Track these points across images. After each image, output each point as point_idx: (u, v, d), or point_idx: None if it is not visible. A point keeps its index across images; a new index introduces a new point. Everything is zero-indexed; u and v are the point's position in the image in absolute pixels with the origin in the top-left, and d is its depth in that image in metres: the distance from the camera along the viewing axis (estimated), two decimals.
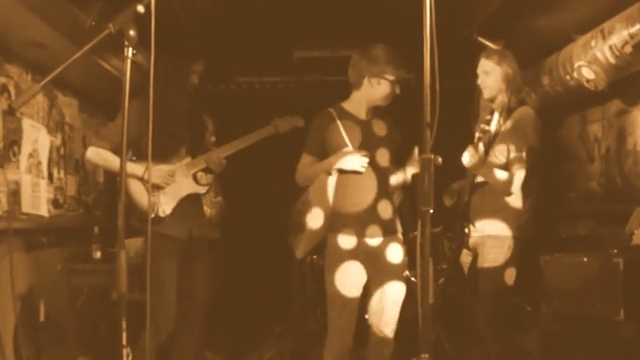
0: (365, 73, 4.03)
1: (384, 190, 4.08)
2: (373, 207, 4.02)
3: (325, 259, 4.11)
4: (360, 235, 3.98)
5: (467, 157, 3.89)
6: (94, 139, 4.28)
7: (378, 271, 4.03)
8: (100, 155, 4.13)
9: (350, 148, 4.01)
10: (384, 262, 4.03)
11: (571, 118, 6.23)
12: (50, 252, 5.31)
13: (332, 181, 4.00)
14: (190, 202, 4.34)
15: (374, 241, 4.01)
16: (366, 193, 4.03)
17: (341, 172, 3.99)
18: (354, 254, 3.97)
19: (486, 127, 3.83)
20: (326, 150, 4.08)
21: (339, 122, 4.06)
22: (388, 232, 4.06)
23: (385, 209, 4.06)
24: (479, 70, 4.19)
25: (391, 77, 4.01)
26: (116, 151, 4.06)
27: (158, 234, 3.97)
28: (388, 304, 4.03)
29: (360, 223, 3.99)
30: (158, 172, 4.16)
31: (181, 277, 4.19)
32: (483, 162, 3.90)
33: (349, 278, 3.97)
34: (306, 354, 5.98)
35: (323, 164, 4.05)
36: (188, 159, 4.36)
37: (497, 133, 3.89)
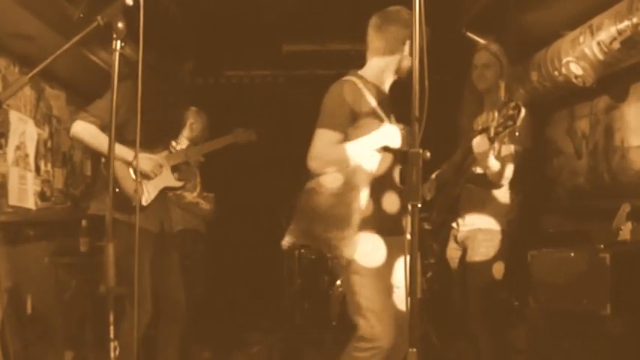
0: (404, 37, 3.47)
1: None
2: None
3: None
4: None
5: (479, 144, 3.81)
6: (82, 113, 4.06)
7: None
8: (89, 131, 3.98)
9: (387, 122, 3.44)
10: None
11: (559, 113, 6.24)
12: (37, 245, 5.29)
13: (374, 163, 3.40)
14: (164, 195, 4.35)
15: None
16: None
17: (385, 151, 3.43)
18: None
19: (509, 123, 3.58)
20: (349, 126, 3.39)
21: (366, 92, 3.43)
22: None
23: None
24: (477, 62, 4.19)
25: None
26: (105, 129, 3.98)
27: (132, 226, 3.95)
28: None
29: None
30: (149, 160, 4.13)
31: (154, 271, 4.17)
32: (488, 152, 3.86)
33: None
34: (294, 348, 5.99)
35: (363, 142, 3.37)
36: (166, 152, 4.36)
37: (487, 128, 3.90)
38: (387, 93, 3.55)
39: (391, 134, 3.35)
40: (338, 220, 3.25)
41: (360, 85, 3.42)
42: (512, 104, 3.59)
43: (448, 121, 4.40)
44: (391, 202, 3.44)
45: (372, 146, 3.37)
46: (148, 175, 4.17)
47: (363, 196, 3.30)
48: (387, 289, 3.43)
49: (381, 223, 3.39)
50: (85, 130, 3.99)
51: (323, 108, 3.42)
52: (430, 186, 4.41)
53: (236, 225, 7.23)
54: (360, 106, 3.37)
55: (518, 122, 3.56)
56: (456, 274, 4.35)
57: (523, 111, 3.54)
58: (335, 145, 3.34)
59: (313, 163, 3.37)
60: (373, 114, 3.39)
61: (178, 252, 4.52)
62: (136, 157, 3.88)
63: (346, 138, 3.36)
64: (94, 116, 3.98)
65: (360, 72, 3.54)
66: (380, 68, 3.54)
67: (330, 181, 3.32)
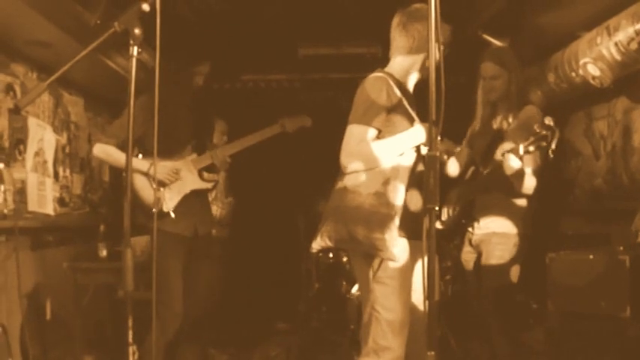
0: (409, 31, 3.34)
1: None
2: None
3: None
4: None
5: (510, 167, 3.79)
6: (100, 136, 4.33)
7: None
8: (105, 152, 4.15)
9: (418, 122, 3.29)
10: None
11: (577, 115, 6.21)
12: (56, 250, 5.33)
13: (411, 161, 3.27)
14: (195, 198, 4.35)
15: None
16: None
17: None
18: None
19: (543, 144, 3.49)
20: (383, 122, 3.26)
21: (396, 88, 3.28)
22: None
23: None
24: (484, 74, 4.17)
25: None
26: (122, 147, 4.08)
27: (163, 231, 3.98)
28: None
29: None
30: (162, 168, 4.16)
31: (186, 275, 4.20)
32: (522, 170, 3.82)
33: None
34: (311, 352, 5.99)
35: (398, 140, 3.23)
36: (194, 155, 4.37)
37: (504, 131, 3.89)
38: (411, 92, 3.43)
39: (422, 133, 3.20)
40: (382, 221, 3.14)
41: (391, 81, 3.29)
42: (547, 124, 3.47)
43: (464, 124, 4.39)
44: (416, 203, 3.28)
45: (405, 145, 3.23)
46: (163, 182, 4.20)
47: (401, 196, 3.19)
48: (408, 298, 3.28)
49: (409, 225, 3.23)
50: (103, 151, 4.17)
51: (355, 103, 3.30)
52: (449, 201, 4.37)
53: (254, 228, 7.24)
54: (392, 102, 3.23)
55: (553, 145, 3.48)
56: (472, 278, 4.33)
57: (557, 133, 3.45)
58: (367, 142, 3.20)
59: (347, 160, 3.23)
60: (404, 111, 3.27)
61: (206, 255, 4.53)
62: (153, 164, 3.94)
63: (380, 134, 3.23)
64: (111, 137, 4.16)
65: (387, 69, 3.41)
66: (405, 67, 3.41)
67: (368, 179, 3.21)
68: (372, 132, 3.21)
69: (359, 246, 3.22)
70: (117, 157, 4.13)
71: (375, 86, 3.26)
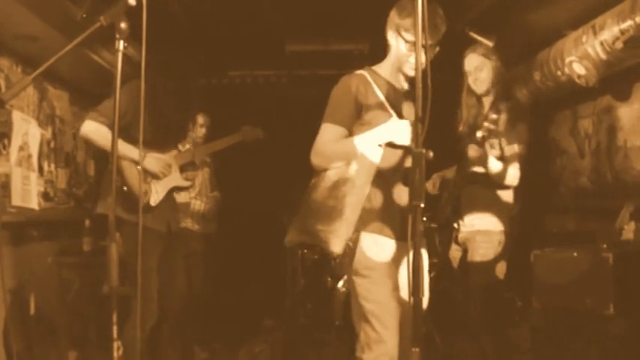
0: (389, 24, 3.29)
1: None
2: None
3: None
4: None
5: (472, 153, 3.88)
6: (93, 114, 4.03)
7: None
8: (99, 131, 3.96)
9: (395, 117, 3.19)
10: None
11: (562, 113, 6.24)
12: (40, 245, 5.30)
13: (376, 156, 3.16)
14: (171, 194, 4.35)
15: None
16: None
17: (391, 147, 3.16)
18: None
19: (492, 127, 3.60)
20: (355, 122, 3.22)
21: (374, 86, 3.24)
22: None
23: None
24: (469, 67, 4.19)
25: (408, 36, 3.15)
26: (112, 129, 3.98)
27: (142, 226, 3.95)
28: None
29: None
30: (158, 160, 4.14)
31: (162, 271, 4.18)
32: (485, 158, 3.88)
33: None
34: (297, 348, 5.99)
35: (367, 137, 3.14)
36: (175, 152, 4.36)
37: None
38: (401, 89, 3.32)
39: (398, 129, 3.08)
40: (327, 212, 3.13)
41: (369, 78, 3.25)
42: (495, 108, 3.62)
43: (451, 122, 4.40)
44: (402, 202, 3.20)
45: (377, 140, 3.12)
46: (157, 175, 4.17)
47: (362, 191, 3.14)
48: (395, 294, 3.20)
49: (391, 224, 3.20)
50: (95, 130, 3.97)
51: (329, 101, 3.29)
52: (435, 181, 4.41)
53: (239, 224, 7.23)
54: (367, 99, 3.19)
55: (501, 126, 3.59)
56: (458, 275, 4.35)
57: (504, 115, 3.57)
58: (338, 140, 3.19)
59: (315, 159, 3.23)
60: (381, 108, 3.19)
61: (180, 251, 4.53)
62: (140, 156, 3.88)
63: (351, 134, 3.19)
64: (104, 116, 3.95)
65: (375, 67, 3.36)
66: (386, 61, 3.35)
67: (331, 175, 3.19)
68: (341, 130, 3.20)
69: (310, 238, 3.23)
70: (110, 140, 3.99)
71: (345, 85, 3.25)
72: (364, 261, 3.20)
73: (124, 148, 3.85)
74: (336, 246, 3.12)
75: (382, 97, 3.22)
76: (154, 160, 4.14)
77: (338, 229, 3.11)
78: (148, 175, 4.16)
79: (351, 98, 3.20)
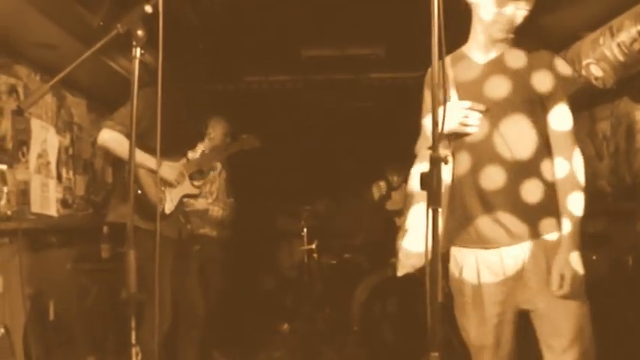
0: None
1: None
2: None
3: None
4: None
5: None
6: (109, 122, 4.10)
7: None
8: (116, 140, 4.03)
9: (455, 99, 2.79)
10: None
11: (579, 115, 6.21)
12: (59, 252, 5.33)
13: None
14: (182, 202, 4.40)
15: None
16: None
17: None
18: None
19: None
20: None
21: (450, 70, 2.86)
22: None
23: None
24: None
25: None
26: (130, 136, 4.03)
27: (153, 233, 3.97)
28: None
29: None
30: (173, 169, 4.17)
31: (174, 276, 4.20)
32: None
33: None
34: (315, 353, 5.99)
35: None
36: (184, 160, 4.40)
37: None
38: (481, 63, 2.96)
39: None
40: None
41: (448, 61, 2.86)
42: None
43: None
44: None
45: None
46: (172, 183, 4.20)
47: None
48: (490, 317, 2.86)
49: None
50: (112, 138, 4.03)
51: None
52: None
53: (257, 229, 7.25)
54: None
55: None
56: None
57: None
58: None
59: None
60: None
61: (195, 258, 4.56)
62: (158, 164, 3.92)
63: None
64: (120, 124, 4.01)
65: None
66: (472, 34, 2.98)
67: None
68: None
69: None
70: (128, 148, 4.04)
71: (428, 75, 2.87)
72: (453, 281, 3.08)
73: (141, 156, 3.89)
74: (401, 264, 3.00)
75: (451, 81, 2.86)
76: (169, 169, 4.17)
77: (402, 247, 2.99)
78: (163, 184, 4.19)
79: (427, 90, 2.92)
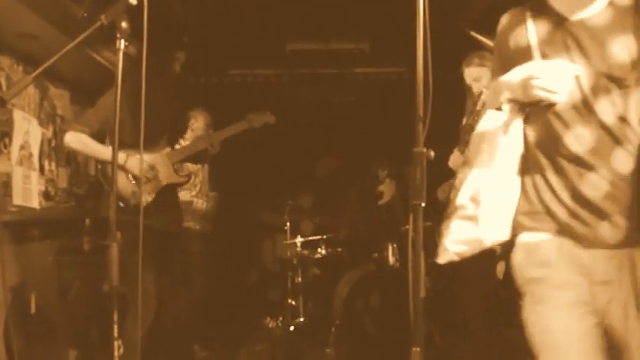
0: None
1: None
2: None
3: None
4: None
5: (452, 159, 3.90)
6: (73, 124, 4.25)
7: None
8: (79, 140, 4.11)
9: (538, 59, 2.38)
10: None
11: None
12: (41, 244, 5.30)
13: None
14: (168, 193, 4.36)
15: None
16: None
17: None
18: None
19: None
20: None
21: (530, 22, 2.48)
22: None
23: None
24: (468, 81, 4.19)
25: None
26: (95, 136, 4.07)
27: (136, 224, 3.96)
28: None
29: None
30: (139, 162, 4.15)
31: (161, 270, 4.19)
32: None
33: None
34: (298, 347, 5.99)
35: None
36: (168, 149, 4.36)
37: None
38: (570, 20, 2.38)
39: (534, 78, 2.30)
40: None
41: (527, 12, 2.58)
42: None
43: (453, 121, 4.40)
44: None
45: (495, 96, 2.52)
46: (139, 178, 4.19)
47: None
48: (577, 326, 2.41)
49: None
50: (76, 139, 4.12)
51: None
52: (444, 189, 4.40)
53: (240, 223, 7.23)
54: (515, 41, 2.58)
55: None
56: (459, 274, 4.35)
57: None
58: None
59: None
60: (526, 48, 2.47)
61: (179, 250, 4.54)
62: (140, 158, 3.92)
63: None
64: (84, 125, 4.12)
65: None
66: None
67: None
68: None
69: None
70: (94, 147, 4.09)
71: (501, 25, 2.77)
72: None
73: (109, 154, 3.88)
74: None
75: (532, 36, 2.46)
76: (136, 162, 4.15)
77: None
78: (133, 178, 4.17)
79: (501, 45, 2.68)
